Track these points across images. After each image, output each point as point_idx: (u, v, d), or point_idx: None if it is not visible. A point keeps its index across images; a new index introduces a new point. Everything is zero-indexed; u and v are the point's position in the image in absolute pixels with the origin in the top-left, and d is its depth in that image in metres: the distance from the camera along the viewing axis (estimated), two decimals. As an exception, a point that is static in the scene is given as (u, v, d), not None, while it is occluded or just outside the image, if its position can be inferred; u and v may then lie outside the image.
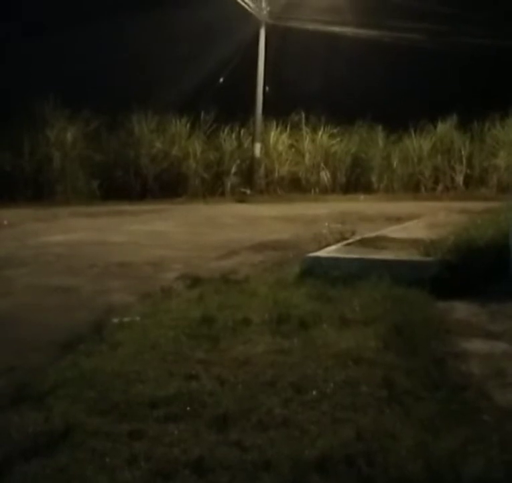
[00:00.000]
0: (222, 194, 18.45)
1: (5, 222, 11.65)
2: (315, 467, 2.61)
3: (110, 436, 2.87)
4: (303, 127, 19.59)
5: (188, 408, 3.17)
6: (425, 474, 2.55)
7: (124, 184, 17.52)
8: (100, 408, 3.15)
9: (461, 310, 5.27)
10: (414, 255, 6.54)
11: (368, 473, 2.57)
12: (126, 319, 4.83)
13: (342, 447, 2.75)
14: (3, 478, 2.53)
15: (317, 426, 2.98)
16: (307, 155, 19.48)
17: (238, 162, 18.96)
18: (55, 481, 2.50)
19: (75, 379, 3.52)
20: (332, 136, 19.68)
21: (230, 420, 3.04)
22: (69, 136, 17.28)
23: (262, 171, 19.06)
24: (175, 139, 18.54)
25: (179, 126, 18.60)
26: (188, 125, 18.58)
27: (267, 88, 19.25)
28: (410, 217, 11.24)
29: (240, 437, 2.87)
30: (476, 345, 4.35)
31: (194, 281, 6.26)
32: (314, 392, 3.38)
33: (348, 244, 7.42)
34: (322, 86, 19.09)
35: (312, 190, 19.23)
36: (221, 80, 19.04)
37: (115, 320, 4.81)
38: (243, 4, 18.66)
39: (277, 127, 19.44)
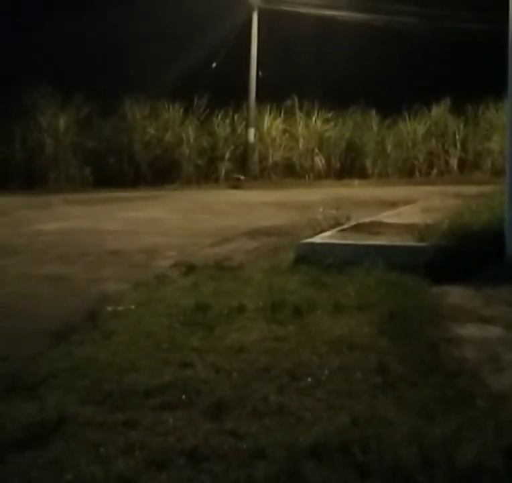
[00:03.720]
0: (216, 180, 18.38)
1: (-2, 210, 11.59)
2: (310, 454, 2.61)
3: (104, 426, 2.86)
4: (297, 112, 19.49)
5: (183, 397, 3.16)
6: (420, 460, 2.55)
7: (118, 170, 17.42)
8: (93, 397, 3.14)
9: (455, 295, 5.27)
10: (408, 241, 6.54)
11: (362, 459, 2.57)
12: (120, 308, 4.81)
13: (337, 433, 2.75)
14: (-4, 469, 2.52)
15: (312, 413, 2.98)
16: (301, 141, 19.41)
17: (232, 147, 18.87)
18: (49, 472, 2.48)
19: (68, 368, 3.50)
20: (326, 121, 19.59)
21: (224, 408, 3.03)
22: (61, 123, 17.15)
23: (256, 157, 18.98)
24: (169, 125, 18.43)
25: (172, 112, 18.49)
26: (181, 111, 18.46)
27: (260, 73, 19.12)
28: (404, 202, 11.22)
29: (235, 425, 2.87)
30: (471, 330, 4.35)
31: (188, 268, 6.24)
32: (309, 379, 3.38)
33: (343, 230, 7.40)
34: (316, 70, 18.98)
35: (306, 176, 19.17)
36: (214, 65, 18.89)
37: (109, 308, 4.79)
38: (235, -12, 18.47)
39: (270, 112, 19.34)
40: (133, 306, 4.84)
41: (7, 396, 3.17)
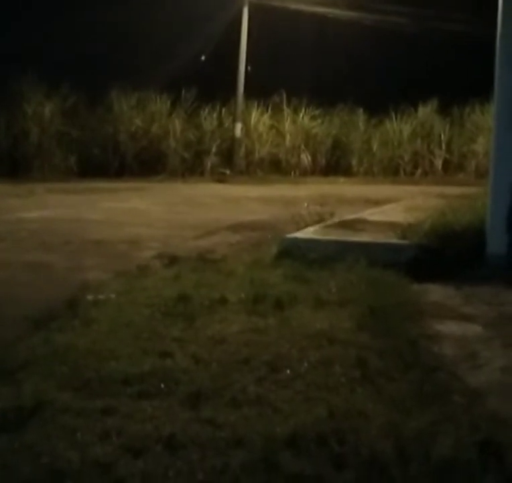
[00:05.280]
0: (202, 173, 18.33)
1: (-20, 197, 11.48)
2: (287, 444, 2.62)
3: (81, 412, 2.85)
4: (285, 108, 19.49)
5: (162, 386, 3.16)
6: (395, 453, 2.57)
7: (103, 161, 17.30)
8: (72, 384, 3.13)
9: (436, 292, 5.32)
10: (391, 238, 6.58)
11: (339, 451, 2.59)
12: (100, 296, 4.79)
13: (314, 425, 2.77)
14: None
15: (290, 405, 3.00)
16: (287, 137, 19.40)
17: (218, 141, 18.81)
18: (25, 457, 2.47)
19: (47, 355, 3.48)
20: (313, 118, 19.61)
21: (203, 398, 3.04)
22: (47, 111, 16.98)
23: (242, 151, 18.94)
24: (155, 117, 18.33)
25: (160, 104, 18.39)
26: (169, 103, 18.37)
27: (248, 68, 19.08)
28: (388, 201, 11.28)
29: (213, 414, 2.87)
30: (450, 328, 4.39)
31: (171, 260, 6.23)
32: (288, 371, 3.39)
33: (326, 226, 7.43)
34: (305, 67, 18.98)
35: (292, 172, 19.18)
36: (203, 58, 18.82)
37: (89, 297, 4.77)
38: (226, -19, 18.41)
39: (258, 107, 19.31)
40: (113, 296, 4.82)
41: (-16, 381, 3.15)
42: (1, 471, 2.39)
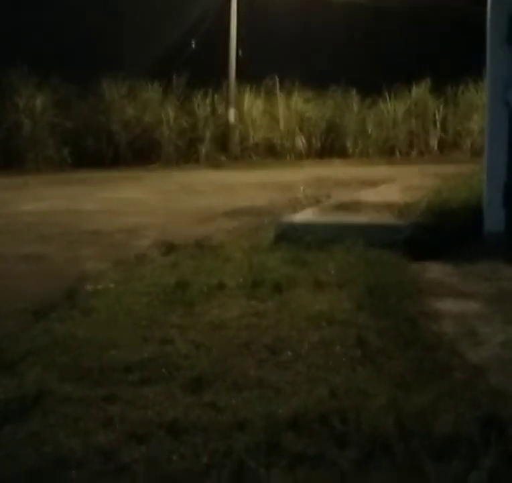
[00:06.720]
0: (197, 161, 18.26)
1: (-25, 191, 11.44)
2: (290, 425, 2.63)
3: (83, 401, 2.85)
4: (278, 92, 19.38)
5: (163, 372, 3.16)
6: (397, 430, 2.58)
7: (96, 151, 17.22)
8: (73, 374, 3.13)
9: (434, 271, 5.32)
10: (388, 219, 6.58)
11: (341, 430, 2.60)
12: (99, 286, 4.79)
13: (316, 405, 2.77)
14: (-25, 443, 2.52)
15: (292, 386, 3.00)
16: (281, 121, 19.32)
17: (212, 128, 18.73)
18: (28, 446, 2.48)
19: (47, 345, 3.48)
20: (306, 101, 19.51)
21: (204, 383, 3.04)
22: (38, 103, 16.87)
23: (236, 137, 18.87)
24: (148, 105, 18.22)
25: (152, 91, 18.28)
26: (161, 91, 18.26)
27: (240, 52, 18.95)
28: (384, 181, 11.25)
29: (214, 398, 2.88)
30: (449, 305, 4.39)
31: (168, 247, 6.21)
32: (289, 353, 3.40)
33: (323, 209, 7.43)
34: (296, 49, 18.84)
35: (287, 156, 19.11)
36: (193, 43, 18.68)
37: (88, 287, 4.77)
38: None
39: (251, 92, 19.21)
40: (112, 285, 4.82)
41: (-14, 373, 3.16)
42: (5, 461, 2.40)
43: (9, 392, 2.89)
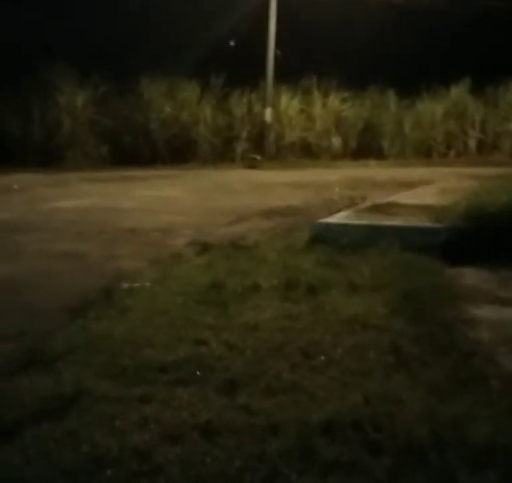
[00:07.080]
0: (232, 160, 18.31)
1: (16, 187, 11.66)
2: (323, 431, 2.63)
3: (119, 400, 2.90)
4: (315, 91, 19.31)
5: (197, 373, 3.19)
6: (432, 439, 2.56)
7: (134, 149, 17.38)
8: (109, 372, 3.18)
9: (470, 276, 5.25)
10: (424, 222, 6.51)
11: (375, 437, 2.59)
12: (135, 285, 4.85)
13: (350, 411, 2.77)
14: (14, 440, 2.57)
15: (325, 391, 3.00)
16: (318, 121, 19.24)
17: (248, 127, 18.75)
18: (65, 445, 2.53)
19: (85, 344, 3.55)
20: (343, 101, 19.40)
21: (238, 385, 3.06)
22: (79, 101, 17.12)
23: (272, 136, 18.85)
24: (185, 104, 18.33)
25: (190, 90, 18.38)
26: (198, 90, 18.36)
27: (278, 52, 18.92)
28: (421, 183, 11.14)
29: (248, 401, 2.89)
30: (485, 312, 4.33)
31: (203, 247, 6.26)
32: (322, 357, 3.39)
33: (358, 210, 7.38)
34: (334, 49, 18.73)
35: (323, 156, 19.03)
36: (232, 43, 18.72)
37: (125, 285, 4.83)
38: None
39: (287, 91, 19.17)
40: (148, 284, 4.88)
41: (25, 370, 3.22)
42: (43, 459, 2.45)
43: (48, 390, 2.95)
